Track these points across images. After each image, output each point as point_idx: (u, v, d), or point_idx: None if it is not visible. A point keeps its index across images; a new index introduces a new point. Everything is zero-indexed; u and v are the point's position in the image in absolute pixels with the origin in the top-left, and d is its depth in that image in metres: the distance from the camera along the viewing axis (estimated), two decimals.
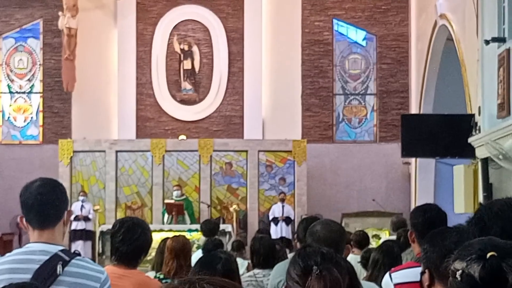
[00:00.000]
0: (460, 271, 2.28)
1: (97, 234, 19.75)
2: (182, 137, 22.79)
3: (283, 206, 20.81)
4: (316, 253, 3.05)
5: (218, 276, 3.14)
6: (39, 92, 24.00)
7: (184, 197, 20.95)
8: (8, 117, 24.07)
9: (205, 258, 5.32)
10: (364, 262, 7.53)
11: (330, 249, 3.51)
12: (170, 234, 10.68)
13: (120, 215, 19.40)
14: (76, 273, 3.89)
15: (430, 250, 3.73)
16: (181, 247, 6.57)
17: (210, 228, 12.54)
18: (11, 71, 24.02)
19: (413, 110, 22.51)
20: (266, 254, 7.10)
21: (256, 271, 6.89)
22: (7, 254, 4.18)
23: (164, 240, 7.04)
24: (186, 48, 23.79)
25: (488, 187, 14.34)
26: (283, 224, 20.30)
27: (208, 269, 4.56)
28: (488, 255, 2.24)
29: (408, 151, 18.06)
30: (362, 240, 9.93)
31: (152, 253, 7.95)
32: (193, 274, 5.15)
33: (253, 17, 23.77)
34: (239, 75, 23.89)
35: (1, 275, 3.81)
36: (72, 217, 19.51)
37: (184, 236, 7.61)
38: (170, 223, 20.12)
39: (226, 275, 4.29)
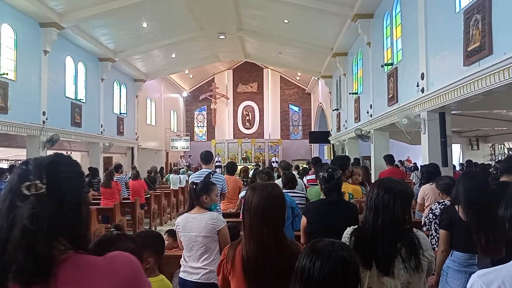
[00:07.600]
0: (321, 175, 2.62)
1: (223, 166, 19.74)
2: (246, 139, 23.76)
3: (275, 158, 21.70)
4: (263, 172, 3.44)
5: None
6: (205, 126, 25.95)
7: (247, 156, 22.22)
8: (197, 133, 25.87)
9: (254, 173, 5.72)
10: (298, 174, 7.02)
11: (271, 171, 4.01)
12: (242, 166, 9.56)
13: (228, 160, 17.87)
14: (216, 177, 4.38)
15: (316, 170, 4.00)
16: (245, 169, 6.69)
17: (257, 165, 14.41)
18: (197, 120, 26.01)
19: (313, 129, 22.68)
20: (267, 173, 5.23)
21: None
22: (196, 172, 4.66)
23: (241, 168, 6.80)
24: (246, 113, 25.56)
25: (334, 152, 15.07)
26: (275, 163, 18.69)
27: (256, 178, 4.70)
28: (329, 170, 2.54)
29: (311, 141, 19.64)
30: (301, 169, 8.90)
31: (238, 171, 8.02)
32: (250, 178, 5.37)
33: (266, 103, 25.12)
34: (262, 122, 25.30)
35: (194, 177, 4.30)
36: (215, 161, 20.44)
37: (247, 167, 7.37)
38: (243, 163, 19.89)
39: (265, 180, 4.47)
